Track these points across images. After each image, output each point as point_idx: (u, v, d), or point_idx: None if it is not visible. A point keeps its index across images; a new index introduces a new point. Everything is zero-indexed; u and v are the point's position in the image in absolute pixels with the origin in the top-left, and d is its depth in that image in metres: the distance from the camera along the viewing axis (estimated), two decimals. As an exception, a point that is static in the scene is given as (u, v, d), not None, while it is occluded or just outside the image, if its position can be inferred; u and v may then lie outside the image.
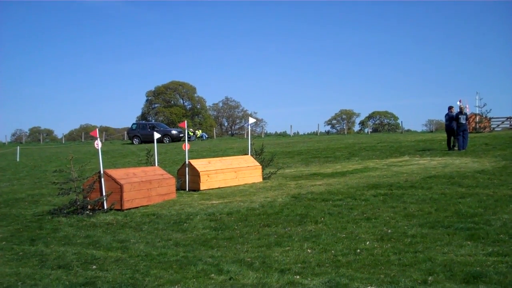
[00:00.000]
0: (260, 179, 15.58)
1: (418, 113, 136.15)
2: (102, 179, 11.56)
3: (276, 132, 61.97)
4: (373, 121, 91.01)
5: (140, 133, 45.77)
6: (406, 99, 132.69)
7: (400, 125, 57.91)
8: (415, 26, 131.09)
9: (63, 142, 60.67)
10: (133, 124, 49.03)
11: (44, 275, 6.55)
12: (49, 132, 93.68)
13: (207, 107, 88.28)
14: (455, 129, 20.52)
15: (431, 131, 48.62)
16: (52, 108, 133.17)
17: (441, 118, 23.74)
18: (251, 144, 17.21)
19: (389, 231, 7.87)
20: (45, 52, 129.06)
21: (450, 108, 21.19)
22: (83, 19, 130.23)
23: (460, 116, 20.48)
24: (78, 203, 11.23)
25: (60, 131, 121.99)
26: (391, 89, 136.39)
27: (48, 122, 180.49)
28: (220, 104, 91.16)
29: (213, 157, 21.41)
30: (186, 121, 16.00)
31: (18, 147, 34.60)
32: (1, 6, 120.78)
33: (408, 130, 50.42)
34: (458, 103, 21.77)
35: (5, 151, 40.46)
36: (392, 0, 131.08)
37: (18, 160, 30.15)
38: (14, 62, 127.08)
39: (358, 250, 6.88)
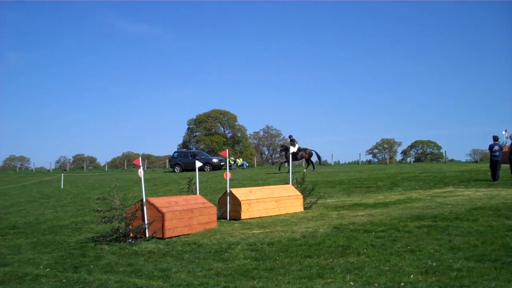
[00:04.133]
0: (301, 209, 15.48)
1: (462, 143, 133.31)
2: (145, 207, 11.69)
3: (317, 161, 61.56)
4: (415, 151, 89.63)
5: (181, 161, 46.14)
6: (450, 128, 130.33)
7: (444, 154, 56.74)
8: (458, 53, 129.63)
9: (106, 169, 61.73)
10: (175, 152, 49.52)
11: (87, 303, 6.63)
12: (92, 160, 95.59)
13: (248, 136, 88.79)
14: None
15: (476, 161, 47.48)
16: (95, 136, 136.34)
17: (486, 147, 23.03)
18: (292, 173, 17.15)
19: (434, 264, 7.68)
20: (88, 81, 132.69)
21: (495, 138, 20.60)
22: (124, 48, 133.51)
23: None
24: (121, 231, 11.37)
25: (103, 159, 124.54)
26: (433, 117, 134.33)
27: (91, 149, 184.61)
28: (261, 133, 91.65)
29: (254, 186, 21.46)
30: (227, 150, 16.08)
31: (62, 174, 35.36)
32: (45, 36, 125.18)
33: (452, 160, 49.43)
34: (503, 132, 21.23)
35: (50, 178, 41.41)
36: (434, 28, 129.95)
37: (62, 187, 30.77)
38: (59, 91, 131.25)
39: (402, 284, 6.72)
